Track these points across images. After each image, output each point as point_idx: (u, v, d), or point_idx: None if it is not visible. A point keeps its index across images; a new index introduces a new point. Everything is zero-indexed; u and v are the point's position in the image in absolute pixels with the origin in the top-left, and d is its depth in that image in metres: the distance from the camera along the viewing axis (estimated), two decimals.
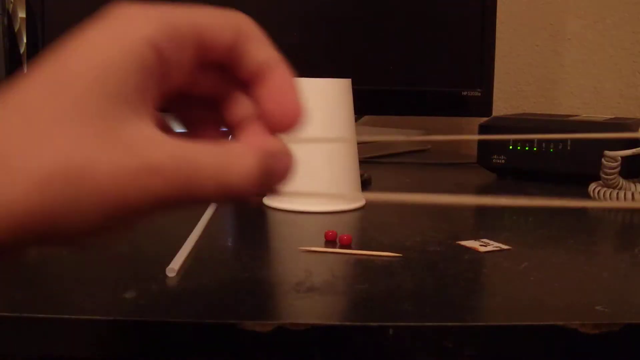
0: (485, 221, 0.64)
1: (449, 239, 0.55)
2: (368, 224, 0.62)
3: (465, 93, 0.90)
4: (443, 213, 0.67)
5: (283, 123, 0.27)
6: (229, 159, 0.24)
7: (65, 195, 0.22)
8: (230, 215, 0.66)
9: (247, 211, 0.67)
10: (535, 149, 0.84)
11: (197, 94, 0.28)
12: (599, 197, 0.72)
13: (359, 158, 0.68)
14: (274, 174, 0.26)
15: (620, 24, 1.07)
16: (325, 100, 0.65)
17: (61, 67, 0.23)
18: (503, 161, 0.86)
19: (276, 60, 0.27)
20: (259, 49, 0.27)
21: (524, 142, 0.85)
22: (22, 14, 0.99)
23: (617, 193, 0.70)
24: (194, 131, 0.29)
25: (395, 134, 1.15)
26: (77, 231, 0.23)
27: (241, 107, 0.28)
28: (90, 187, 0.22)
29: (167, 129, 0.27)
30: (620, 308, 0.39)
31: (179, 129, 0.29)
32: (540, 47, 1.15)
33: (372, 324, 0.36)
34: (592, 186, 0.74)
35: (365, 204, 0.68)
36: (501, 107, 1.17)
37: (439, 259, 0.49)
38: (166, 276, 0.43)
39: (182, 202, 0.24)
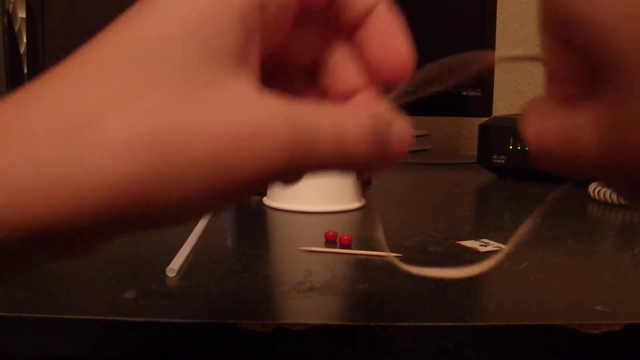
0: (485, 221, 0.64)
1: (449, 239, 0.55)
2: (368, 224, 0.62)
3: (465, 93, 0.90)
4: (443, 213, 0.67)
5: (391, 69, 0.24)
6: (344, 117, 0.21)
7: (159, 164, 0.18)
8: (230, 215, 0.66)
9: (247, 211, 0.67)
10: None
11: (293, 61, 0.26)
12: (599, 197, 0.72)
13: None
14: (389, 138, 0.23)
15: None
16: None
17: (146, 21, 0.20)
18: (503, 161, 0.86)
19: (380, 1, 0.24)
20: None
21: (524, 142, 0.84)
22: (22, 14, 0.99)
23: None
24: None
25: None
26: (168, 210, 0.19)
27: (344, 74, 0.25)
28: (188, 154, 0.19)
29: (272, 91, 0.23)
30: (620, 308, 0.39)
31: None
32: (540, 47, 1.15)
33: (372, 324, 0.36)
34: (592, 186, 0.74)
35: (365, 204, 0.68)
36: (501, 107, 1.17)
37: (439, 259, 0.49)
38: (166, 276, 0.43)
39: (293, 170, 0.21)
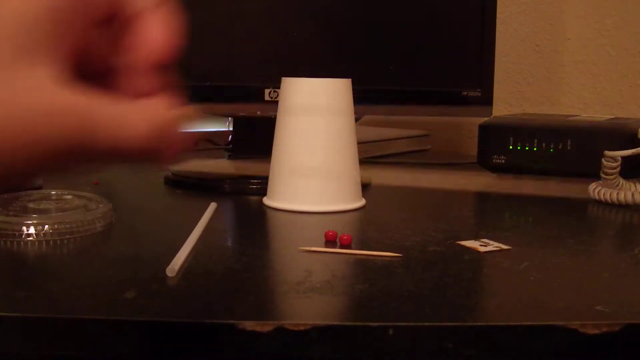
0: (485, 221, 0.64)
1: (449, 239, 0.55)
2: (368, 224, 0.62)
3: (465, 93, 0.90)
4: (443, 213, 0.67)
5: (152, 52, 0.28)
6: (126, 114, 0.26)
7: None
8: (230, 215, 0.66)
9: (247, 211, 0.67)
10: (535, 149, 0.84)
11: (100, 59, 0.29)
12: (599, 197, 0.72)
13: (359, 158, 0.68)
14: (165, 136, 0.27)
15: (620, 24, 1.07)
16: (325, 100, 0.65)
17: None
18: (503, 161, 0.86)
19: (152, 5, 0.29)
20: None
21: (524, 142, 0.85)
22: None
23: (617, 193, 0.70)
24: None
25: (397, 133, 1.15)
26: None
27: (134, 75, 0.29)
28: None
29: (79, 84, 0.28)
30: (620, 308, 0.39)
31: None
32: (540, 47, 1.15)
33: (372, 324, 0.36)
34: (592, 186, 0.74)
35: (365, 204, 0.68)
36: (501, 107, 1.17)
37: (439, 259, 0.49)
38: (166, 276, 0.43)
39: (76, 149, 0.25)
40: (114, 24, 0.29)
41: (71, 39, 0.27)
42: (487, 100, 0.91)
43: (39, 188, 0.72)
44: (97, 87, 0.27)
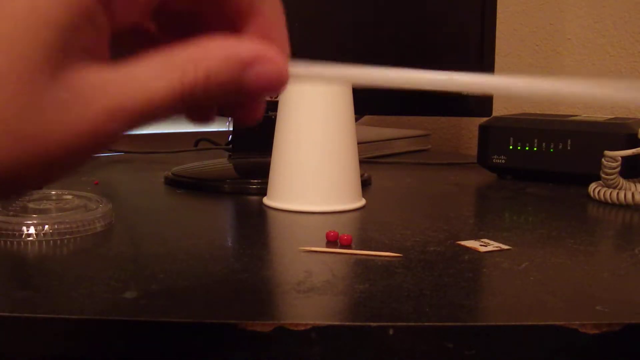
0: (485, 221, 0.64)
1: (449, 239, 0.55)
2: (368, 224, 0.62)
3: (465, 93, 0.90)
4: (443, 213, 0.67)
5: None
6: (153, 78, 0.24)
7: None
8: (230, 215, 0.66)
9: (247, 211, 0.67)
10: (535, 149, 0.84)
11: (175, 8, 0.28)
12: (599, 197, 0.72)
13: (359, 158, 0.69)
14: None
15: (620, 24, 1.07)
16: (325, 101, 0.65)
17: None
18: (503, 161, 0.86)
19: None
20: None
21: (524, 142, 0.85)
22: None
23: (617, 193, 0.70)
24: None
25: (397, 133, 1.15)
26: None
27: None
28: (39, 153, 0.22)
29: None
30: (620, 308, 0.39)
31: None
32: (540, 47, 1.15)
33: (372, 324, 0.36)
34: (592, 186, 0.74)
35: (365, 204, 0.68)
36: (501, 107, 1.17)
37: (439, 259, 0.49)
38: (166, 276, 0.43)
39: (117, 129, 0.23)
40: None
41: (114, 24, 0.24)
42: (487, 100, 0.91)
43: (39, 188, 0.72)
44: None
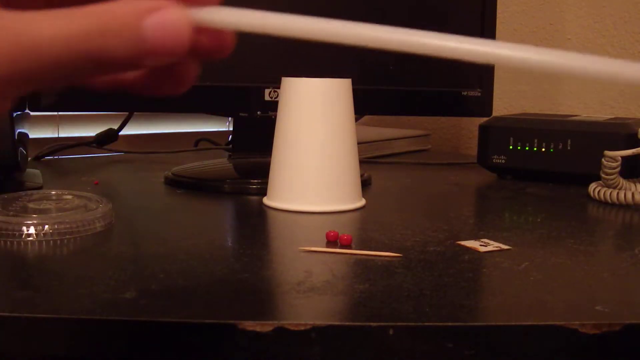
0: (485, 221, 0.64)
1: (449, 239, 0.55)
2: (368, 224, 0.62)
3: (465, 93, 0.90)
4: (443, 213, 0.67)
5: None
6: (66, 22, 0.24)
7: None
8: (230, 215, 0.66)
9: (247, 211, 0.67)
10: (535, 149, 0.84)
11: None
12: (599, 197, 0.72)
13: (359, 158, 0.68)
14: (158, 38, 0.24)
15: (620, 24, 1.07)
16: (325, 100, 0.65)
17: None
18: (503, 161, 0.86)
19: None
20: None
21: (524, 142, 0.85)
22: None
23: (617, 193, 0.70)
24: None
25: (397, 133, 1.15)
26: None
27: None
28: None
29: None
30: (620, 308, 0.39)
31: None
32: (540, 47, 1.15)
33: (372, 324, 0.36)
34: (592, 186, 0.74)
35: (365, 204, 0.68)
36: (501, 107, 1.17)
37: (439, 259, 0.49)
38: (166, 276, 0.43)
39: (25, 77, 0.23)
40: None
41: None
42: (487, 100, 0.91)
43: (39, 188, 0.72)
44: None
